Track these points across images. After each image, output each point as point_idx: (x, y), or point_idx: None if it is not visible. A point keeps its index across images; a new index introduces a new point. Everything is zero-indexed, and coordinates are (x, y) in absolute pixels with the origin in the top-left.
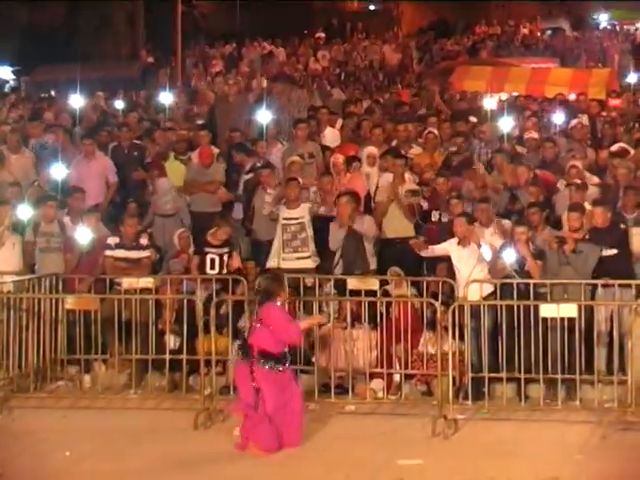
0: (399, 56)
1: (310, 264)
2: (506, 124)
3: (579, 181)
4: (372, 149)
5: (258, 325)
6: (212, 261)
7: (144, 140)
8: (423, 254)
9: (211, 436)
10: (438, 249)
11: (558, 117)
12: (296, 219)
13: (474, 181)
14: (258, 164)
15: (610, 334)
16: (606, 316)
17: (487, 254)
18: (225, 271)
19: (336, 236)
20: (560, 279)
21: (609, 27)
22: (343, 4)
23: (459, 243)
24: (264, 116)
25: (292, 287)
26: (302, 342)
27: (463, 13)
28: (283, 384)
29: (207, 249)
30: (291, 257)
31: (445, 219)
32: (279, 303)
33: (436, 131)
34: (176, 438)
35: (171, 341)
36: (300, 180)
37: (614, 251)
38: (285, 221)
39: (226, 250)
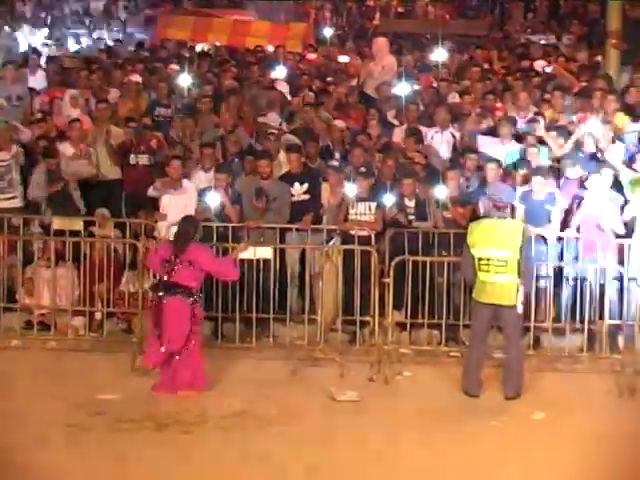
0: (103, 2)
1: (17, 204)
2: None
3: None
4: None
5: (180, 265)
6: None
7: None
8: (150, 194)
9: None
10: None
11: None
12: (3, 161)
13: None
14: None
15: (302, 276)
16: (297, 258)
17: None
18: None
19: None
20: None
21: None
22: None
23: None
24: None
25: None
26: (238, 275)
27: None
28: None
29: None
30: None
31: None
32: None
33: (137, 78)
34: None
35: None
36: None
37: (307, 197)
38: None
39: None
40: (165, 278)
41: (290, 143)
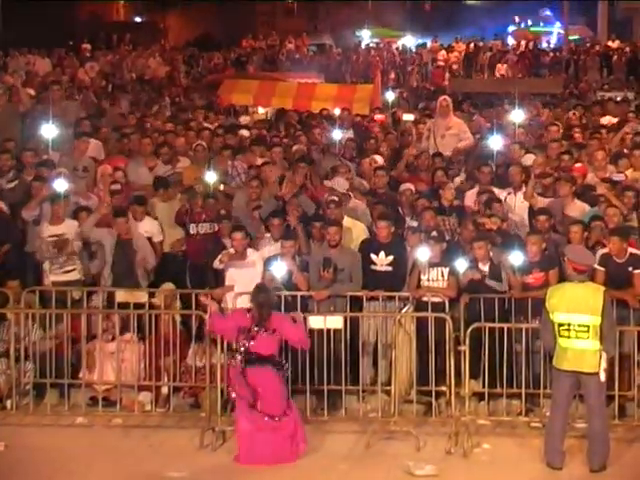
0: (166, 69)
1: (77, 276)
2: None
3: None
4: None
5: (263, 334)
6: None
7: None
8: (215, 267)
9: None
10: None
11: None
12: (61, 235)
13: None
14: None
15: (375, 345)
16: (371, 328)
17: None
18: None
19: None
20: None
21: (372, 45)
22: (109, 16)
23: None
24: (36, 126)
25: (60, 301)
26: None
27: (229, 27)
28: None
29: None
30: (58, 272)
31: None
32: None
33: (204, 144)
34: None
35: None
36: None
37: (390, 268)
38: (50, 239)
39: None
40: (245, 347)
41: (383, 211)
